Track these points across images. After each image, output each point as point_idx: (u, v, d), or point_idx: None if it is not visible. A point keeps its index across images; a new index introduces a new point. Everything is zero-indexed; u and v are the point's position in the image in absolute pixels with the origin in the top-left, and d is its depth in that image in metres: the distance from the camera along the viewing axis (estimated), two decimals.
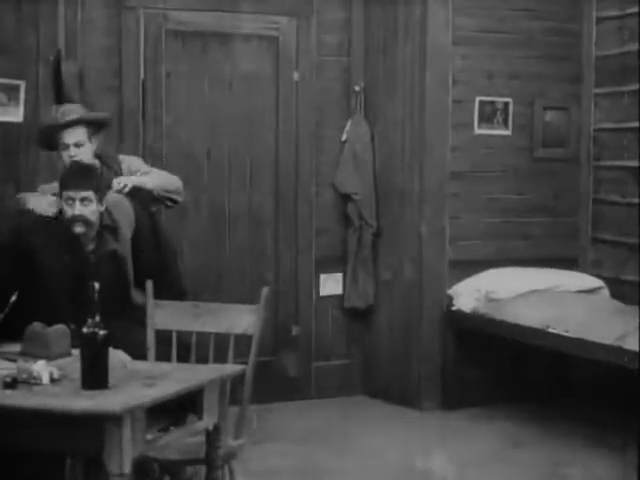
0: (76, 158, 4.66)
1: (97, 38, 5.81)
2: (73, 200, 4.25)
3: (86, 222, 4.26)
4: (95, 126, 4.83)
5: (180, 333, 3.96)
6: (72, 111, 4.82)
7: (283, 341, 6.37)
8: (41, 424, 2.98)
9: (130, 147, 5.78)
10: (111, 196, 4.47)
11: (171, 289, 4.41)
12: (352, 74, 6.43)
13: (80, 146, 4.70)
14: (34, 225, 4.43)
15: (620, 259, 6.19)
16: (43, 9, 5.54)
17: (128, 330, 4.05)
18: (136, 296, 4.39)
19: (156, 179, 4.85)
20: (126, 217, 4.47)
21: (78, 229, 4.26)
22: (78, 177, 4.31)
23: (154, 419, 3.10)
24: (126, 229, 4.45)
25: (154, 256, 4.55)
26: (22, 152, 5.52)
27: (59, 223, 4.35)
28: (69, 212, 4.26)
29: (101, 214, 4.33)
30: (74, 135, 4.70)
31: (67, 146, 4.69)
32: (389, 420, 5.98)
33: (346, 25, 6.42)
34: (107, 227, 4.38)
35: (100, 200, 4.31)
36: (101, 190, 4.35)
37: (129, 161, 4.97)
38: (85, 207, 4.25)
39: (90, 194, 4.26)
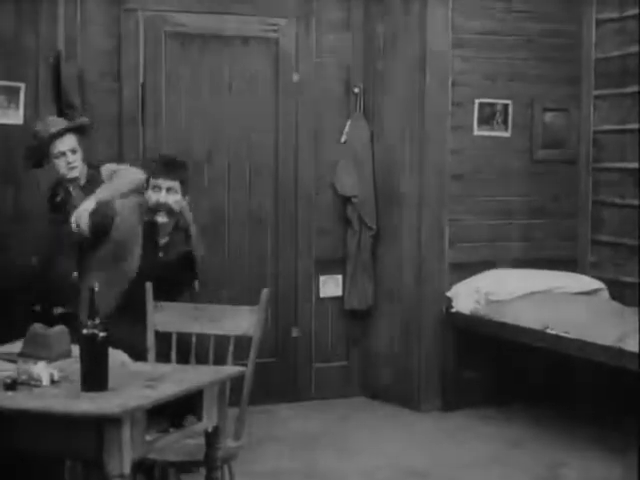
0: (73, 164, 4.79)
1: (97, 40, 5.82)
2: (160, 188, 4.51)
3: (169, 211, 4.51)
4: (82, 133, 4.94)
5: (180, 342, 3.97)
6: (56, 122, 4.93)
7: (283, 343, 6.38)
8: (41, 426, 2.98)
9: (130, 149, 5.80)
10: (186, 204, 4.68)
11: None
12: (351, 75, 6.44)
13: (75, 152, 4.81)
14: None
15: (620, 261, 6.19)
16: (43, 10, 5.54)
17: (128, 331, 4.05)
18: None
19: (110, 189, 4.70)
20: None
21: (160, 219, 4.52)
22: (168, 167, 4.58)
23: (154, 420, 3.10)
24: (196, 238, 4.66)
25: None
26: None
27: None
28: (154, 198, 4.51)
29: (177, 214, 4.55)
30: (67, 143, 4.81)
31: (63, 153, 4.77)
32: (389, 421, 5.98)
33: (346, 26, 6.42)
34: (180, 228, 4.59)
35: (184, 194, 4.57)
36: (186, 184, 4.60)
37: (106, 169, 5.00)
38: (170, 196, 4.50)
39: (176, 184, 4.53)
